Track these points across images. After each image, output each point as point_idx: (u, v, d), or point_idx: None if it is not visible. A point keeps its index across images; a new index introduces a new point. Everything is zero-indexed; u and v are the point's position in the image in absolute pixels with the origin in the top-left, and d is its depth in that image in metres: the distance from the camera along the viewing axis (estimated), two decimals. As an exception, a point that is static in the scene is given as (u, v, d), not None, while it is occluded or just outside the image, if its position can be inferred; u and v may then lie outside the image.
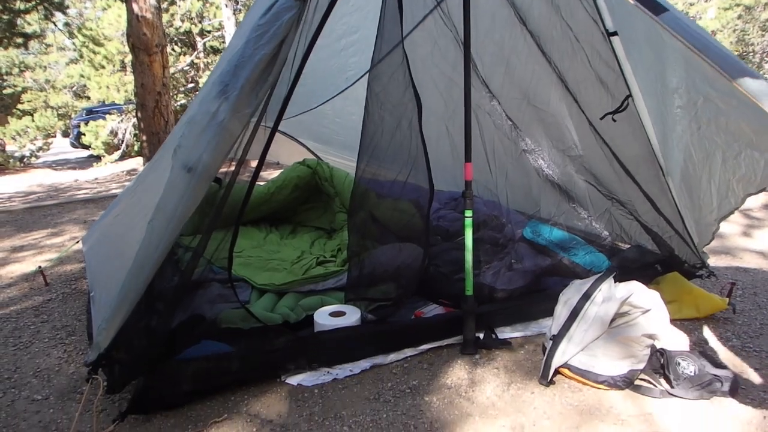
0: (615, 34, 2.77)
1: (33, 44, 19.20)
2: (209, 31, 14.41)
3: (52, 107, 19.74)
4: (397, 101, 2.68)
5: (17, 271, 3.84)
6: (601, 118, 3.02)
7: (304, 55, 2.17)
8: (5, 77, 18.83)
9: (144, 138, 8.36)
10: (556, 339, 2.23)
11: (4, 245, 4.47)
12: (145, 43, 7.82)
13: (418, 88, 2.60)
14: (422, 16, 2.59)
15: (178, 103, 13.82)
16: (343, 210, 4.02)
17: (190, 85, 14.94)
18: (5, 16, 9.01)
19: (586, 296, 2.23)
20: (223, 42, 14.14)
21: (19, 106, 22.82)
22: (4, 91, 18.74)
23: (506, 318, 2.72)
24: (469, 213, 2.49)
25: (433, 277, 2.91)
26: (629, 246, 3.31)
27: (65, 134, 22.87)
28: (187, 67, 14.19)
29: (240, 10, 13.24)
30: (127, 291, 1.90)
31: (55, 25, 11.69)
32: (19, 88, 20.02)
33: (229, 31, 11.29)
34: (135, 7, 7.65)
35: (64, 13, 10.61)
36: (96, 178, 14.93)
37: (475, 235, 2.56)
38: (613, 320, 2.16)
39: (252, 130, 2.10)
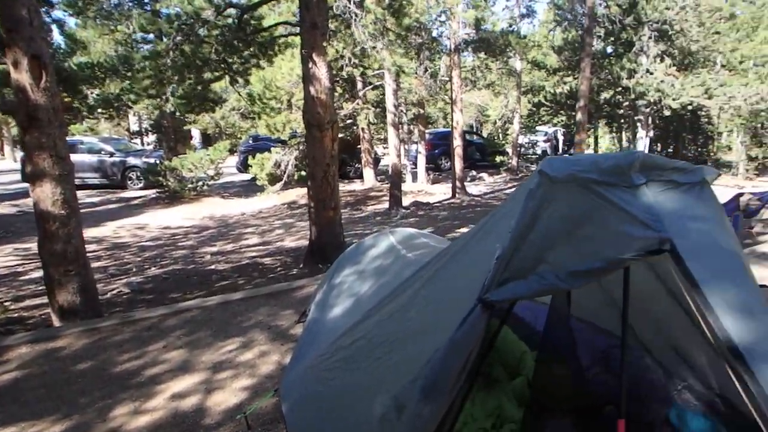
0: None
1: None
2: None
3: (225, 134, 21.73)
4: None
5: (222, 404, 4.16)
6: None
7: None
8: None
9: (312, 204, 8.88)
10: None
11: (206, 360, 4.90)
12: (318, 120, 8.30)
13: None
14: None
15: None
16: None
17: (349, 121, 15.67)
18: (198, 88, 10.20)
19: None
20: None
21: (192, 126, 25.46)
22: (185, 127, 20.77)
23: None
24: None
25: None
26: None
27: (231, 151, 25.08)
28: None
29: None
30: None
31: (239, 94, 12.94)
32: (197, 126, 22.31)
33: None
34: (312, 89, 8.13)
35: (246, 80, 11.67)
36: (260, 211, 16.26)
37: None
38: None
39: None
